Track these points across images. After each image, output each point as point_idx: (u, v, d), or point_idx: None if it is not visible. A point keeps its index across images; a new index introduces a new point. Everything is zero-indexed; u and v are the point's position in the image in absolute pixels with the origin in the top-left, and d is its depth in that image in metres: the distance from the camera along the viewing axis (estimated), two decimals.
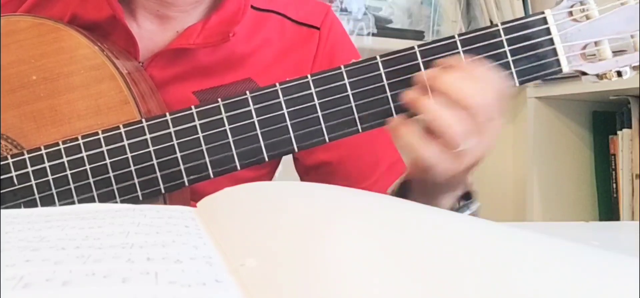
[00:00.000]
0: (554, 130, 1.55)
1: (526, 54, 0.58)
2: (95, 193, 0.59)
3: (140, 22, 0.73)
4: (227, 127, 0.59)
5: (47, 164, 0.59)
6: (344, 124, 0.59)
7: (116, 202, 0.59)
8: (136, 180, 0.59)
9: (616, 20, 0.58)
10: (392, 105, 0.59)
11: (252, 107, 0.59)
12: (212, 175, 0.60)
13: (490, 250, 0.28)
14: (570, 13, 0.58)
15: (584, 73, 0.59)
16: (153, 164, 0.59)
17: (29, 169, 0.59)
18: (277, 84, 0.59)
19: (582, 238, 0.53)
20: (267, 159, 0.59)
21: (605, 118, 1.56)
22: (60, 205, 0.59)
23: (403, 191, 0.66)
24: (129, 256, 0.26)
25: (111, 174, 0.59)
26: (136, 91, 0.63)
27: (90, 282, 0.22)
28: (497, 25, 0.58)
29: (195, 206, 0.41)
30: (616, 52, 0.58)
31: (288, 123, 0.59)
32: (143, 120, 0.60)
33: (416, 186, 0.62)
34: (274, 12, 0.77)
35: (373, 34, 1.71)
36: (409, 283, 0.23)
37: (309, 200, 0.36)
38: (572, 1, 0.58)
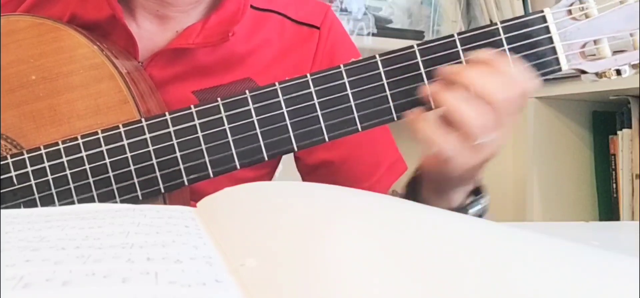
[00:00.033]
0: (554, 130, 1.55)
1: (525, 52, 0.58)
2: (94, 193, 0.59)
3: (140, 22, 0.73)
4: (226, 126, 0.59)
5: (46, 164, 0.59)
6: (343, 123, 0.59)
7: (116, 202, 0.59)
8: (136, 180, 0.59)
9: (615, 19, 0.58)
10: (391, 104, 0.59)
11: (251, 106, 0.59)
12: (211, 175, 0.60)
13: (490, 250, 0.28)
14: (570, 12, 0.58)
15: (583, 71, 0.59)
16: (152, 164, 0.59)
17: (29, 169, 0.59)
18: (277, 84, 0.59)
19: (582, 238, 0.53)
20: (266, 158, 0.59)
21: (605, 118, 1.56)
22: (60, 204, 0.59)
23: (412, 188, 0.66)
24: (129, 256, 0.26)
25: (111, 173, 0.59)
26: (136, 91, 0.63)
27: (90, 282, 0.22)
28: (496, 24, 0.58)
29: (195, 206, 0.41)
30: (615, 52, 0.58)
31: (287, 122, 0.59)
32: (142, 120, 0.60)
33: (427, 182, 0.63)
34: (273, 12, 0.77)
35: (373, 34, 1.71)
36: (409, 283, 0.23)
37: (309, 200, 0.36)
38: (571, 0, 0.58)
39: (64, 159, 0.59)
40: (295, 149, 0.60)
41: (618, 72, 0.59)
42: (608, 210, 1.54)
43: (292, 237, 0.29)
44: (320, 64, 0.76)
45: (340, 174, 0.77)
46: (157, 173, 0.59)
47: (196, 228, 0.33)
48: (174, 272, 0.24)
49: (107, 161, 0.59)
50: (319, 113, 0.59)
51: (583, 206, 1.58)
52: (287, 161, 0.83)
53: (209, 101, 0.60)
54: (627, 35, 0.58)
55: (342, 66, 0.59)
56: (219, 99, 0.59)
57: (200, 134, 0.59)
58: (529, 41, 0.58)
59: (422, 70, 0.58)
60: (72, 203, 0.59)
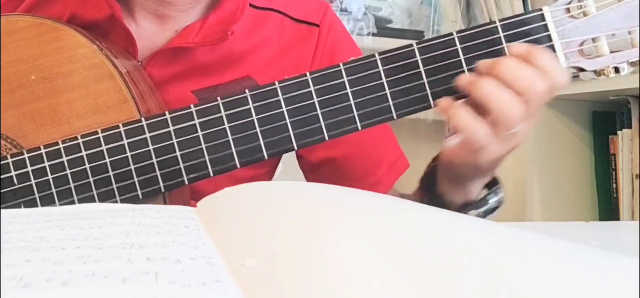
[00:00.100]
0: (554, 130, 1.55)
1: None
2: (95, 192, 0.59)
3: (139, 21, 0.73)
4: (226, 125, 0.59)
5: (46, 164, 0.59)
6: (343, 122, 0.59)
7: (116, 201, 0.59)
8: (136, 179, 0.59)
9: (613, 17, 0.58)
10: (391, 103, 0.59)
11: (251, 105, 0.59)
12: (211, 174, 0.60)
13: (490, 250, 0.28)
14: (568, 10, 0.58)
15: (582, 69, 0.59)
16: (152, 163, 0.59)
17: (29, 168, 0.59)
18: (276, 83, 0.59)
19: (582, 238, 0.53)
20: (266, 157, 0.59)
21: (605, 118, 1.56)
22: (60, 204, 0.59)
23: (427, 181, 0.66)
24: (129, 256, 0.26)
25: (111, 173, 0.59)
26: (135, 90, 0.63)
27: (90, 282, 0.22)
28: (495, 23, 0.58)
29: (195, 205, 0.41)
30: (614, 51, 0.59)
31: (287, 121, 0.59)
32: (142, 119, 0.60)
33: (446, 174, 0.64)
34: (273, 11, 0.77)
35: (373, 34, 1.71)
36: (409, 283, 0.23)
37: (309, 200, 0.36)
38: None
39: (64, 158, 0.59)
40: (295, 148, 0.60)
41: (616, 70, 0.59)
42: (608, 210, 1.54)
43: (292, 237, 0.29)
44: (320, 62, 0.76)
45: (342, 171, 0.77)
46: (157, 172, 0.59)
47: (196, 228, 0.33)
48: (174, 272, 0.24)
49: (107, 160, 0.59)
50: (319, 111, 0.59)
51: (583, 206, 1.58)
52: (287, 161, 0.83)
53: (208, 100, 0.60)
54: (625, 33, 0.58)
55: (341, 64, 0.59)
56: (218, 98, 0.59)
57: (200, 133, 0.59)
58: (528, 39, 0.58)
59: (422, 69, 0.58)
60: (72, 202, 0.59)
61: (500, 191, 0.66)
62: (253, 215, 0.34)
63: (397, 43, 0.60)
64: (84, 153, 0.59)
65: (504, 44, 0.58)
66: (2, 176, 0.59)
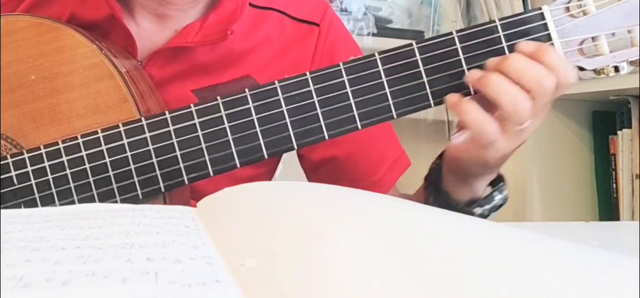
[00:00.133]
0: (554, 130, 1.55)
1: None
2: (95, 192, 0.59)
3: (139, 21, 0.73)
4: (226, 125, 0.59)
5: (46, 164, 0.59)
6: (343, 121, 0.59)
7: (116, 201, 0.59)
8: (136, 179, 0.59)
9: (613, 16, 0.58)
10: (391, 102, 0.59)
11: (251, 105, 0.59)
12: (211, 173, 0.60)
13: (490, 250, 0.28)
14: (568, 9, 0.58)
15: (582, 68, 0.59)
16: (152, 163, 0.59)
17: (29, 168, 0.59)
18: (276, 82, 0.59)
19: (582, 238, 0.53)
20: (266, 156, 0.59)
21: (605, 118, 1.56)
22: (60, 204, 0.59)
23: (432, 179, 0.67)
24: (129, 256, 0.26)
25: (111, 173, 0.59)
26: (135, 90, 0.63)
27: (90, 282, 0.22)
28: (494, 22, 0.58)
29: (195, 205, 0.41)
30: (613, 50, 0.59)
31: (287, 120, 0.59)
32: (142, 118, 0.60)
33: (452, 172, 0.64)
34: (273, 10, 0.77)
35: (373, 34, 1.71)
36: (409, 283, 0.23)
37: (309, 200, 0.36)
38: None
39: (64, 158, 0.59)
40: (295, 147, 0.60)
41: (616, 69, 0.59)
42: (608, 210, 1.54)
43: (292, 237, 0.29)
44: (320, 61, 0.76)
45: (344, 171, 0.77)
46: (157, 172, 0.59)
47: (196, 228, 0.33)
48: (174, 272, 0.24)
49: (107, 160, 0.59)
50: (319, 111, 0.59)
51: (583, 206, 1.58)
52: (288, 161, 0.83)
53: (208, 100, 0.60)
54: (625, 32, 0.58)
55: (341, 64, 0.59)
56: (218, 97, 0.59)
57: (200, 132, 0.59)
58: (528, 39, 0.58)
59: (421, 68, 0.58)
60: (72, 202, 0.59)
61: (505, 188, 0.66)
62: (253, 215, 0.34)
63: (397, 43, 0.60)
64: (83, 153, 0.59)
65: (504, 43, 0.58)
66: (2, 176, 0.59)
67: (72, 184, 0.59)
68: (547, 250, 0.29)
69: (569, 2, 0.58)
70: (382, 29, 1.74)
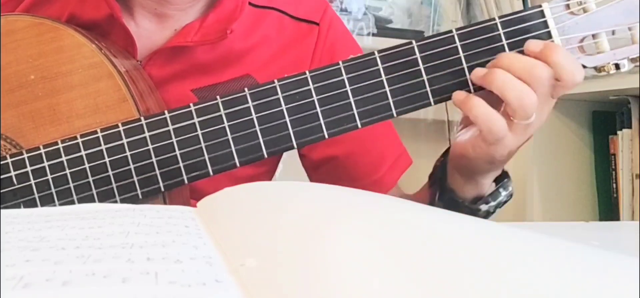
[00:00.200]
0: (554, 130, 1.55)
1: (524, 46, 0.58)
2: (94, 192, 0.59)
3: (139, 20, 0.73)
4: (226, 124, 0.59)
5: (46, 164, 0.59)
6: (342, 120, 0.59)
7: (115, 201, 0.59)
8: (135, 178, 0.59)
9: (613, 13, 0.57)
10: (390, 100, 0.59)
11: (250, 104, 0.59)
12: (211, 173, 0.60)
13: (490, 250, 0.28)
14: (568, 6, 0.58)
15: (583, 66, 0.59)
16: (152, 163, 0.59)
17: (28, 168, 0.59)
18: (276, 81, 0.59)
19: (582, 238, 0.53)
20: (266, 156, 0.59)
21: (605, 118, 1.56)
22: (59, 204, 0.59)
23: (437, 177, 0.67)
24: (129, 256, 0.26)
25: (110, 172, 0.59)
26: (134, 90, 0.63)
27: (90, 282, 0.22)
28: (494, 20, 0.58)
29: (195, 205, 0.41)
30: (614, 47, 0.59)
31: (287, 119, 0.59)
32: (142, 118, 0.59)
33: (457, 170, 0.64)
34: (272, 9, 0.77)
35: (373, 34, 1.71)
36: (409, 283, 0.23)
37: (309, 200, 0.36)
38: None
39: (64, 158, 0.59)
40: (295, 146, 0.60)
41: (617, 66, 0.59)
42: (608, 210, 1.54)
43: (292, 237, 0.29)
44: (319, 60, 0.76)
45: (345, 170, 0.77)
46: (157, 172, 0.59)
47: (196, 228, 0.33)
48: (174, 272, 0.24)
49: (107, 160, 0.59)
50: (318, 109, 0.59)
51: (583, 206, 1.58)
52: (288, 161, 0.83)
53: (208, 99, 0.60)
54: (625, 29, 0.58)
55: (340, 62, 0.59)
56: (218, 97, 0.59)
57: (199, 132, 0.59)
58: (528, 36, 0.58)
59: (421, 66, 0.58)
60: (72, 202, 0.59)
61: (510, 184, 0.66)
62: (253, 215, 0.34)
63: (397, 43, 0.60)
64: (83, 153, 0.59)
65: (504, 41, 0.58)
66: (1, 176, 0.59)
67: (71, 184, 0.59)
68: (547, 250, 0.29)
69: (569, 0, 0.58)
70: (382, 29, 1.74)
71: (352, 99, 0.59)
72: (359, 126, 0.59)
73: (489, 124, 0.56)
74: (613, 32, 0.58)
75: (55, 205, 0.59)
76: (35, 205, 0.59)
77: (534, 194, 1.55)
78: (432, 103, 0.59)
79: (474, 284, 0.23)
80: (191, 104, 0.59)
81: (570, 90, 0.57)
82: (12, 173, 0.59)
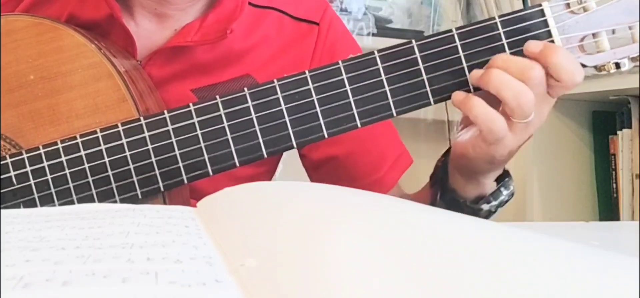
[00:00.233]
0: (554, 130, 1.55)
1: (523, 46, 0.58)
2: (94, 192, 0.59)
3: (138, 20, 0.73)
4: (225, 124, 0.59)
5: (45, 164, 0.59)
6: (342, 119, 0.59)
7: (115, 201, 0.59)
8: (135, 178, 0.59)
9: (614, 12, 0.57)
10: (390, 100, 0.59)
11: (250, 104, 0.59)
12: (211, 173, 0.60)
13: (490, 250, 0.28)
14: (568, 5, 0.58)
15: (583, 65, 0.59)
16: (152, 163, 0.59)
17: (28, 168, 0.59)
18: (275, 81, 0.59)
19: (582, 238, 0.53)
20: (266, 155, 0.59)
21: (605, 118, 1.56)
22: (59, 204, 0.59)
23: (438, 177, 0.67)
24: (129, 256, 0.26)
25: (110, 172, 0.59)
26: (134, 89, 0.63)
27: (90, 282, 0.22)
28: (494, 19, 0.58)
29: (195, 205, 0.41)
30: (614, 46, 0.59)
31: (286, 119, 0.59)
32: (141, 118, 0.59)
33: (459, 170, 0.64)
34: (272, 9, 0.77)
35: (373, 34, 1.71)
36: (409, 283, 0.23)
37: (309, 200, 0.36)
38: None
39: (63, 158, 0.59)
40: (294, 146, 0.60)
41: (617, 65, 0.59)
42: (608, 210, 1.54)
43: (292, 237, 0.29)
44: (319, 60, 0.76)
45: (345, 169, 0.77)
46: (156, 172, 0.59)
47: (196, 228, 0.33)
48: (174, 272, 0.24)
49: (106, 160, 0.59)
50: (318, 109, 0.59)
51: (583, 206, 1.58)
52: (288, 161, 0.83)
53: (207, 99, 0.60)
54: (626, 28, 0.58)
55: (340, 62, 0.59)
56: (217, 97, 0.59)
57: (199, 132, 0.59)
58: (528, 35, 0.58)
59: (421, 66, 0.58)
60: (72, 202, 0.59)
61: (511, 184, 0.66)
62: (253, 215, 0.34)
63: (397, 43, 0.60)
64: (82, 153, 0.59)
65: (504, 40, 0.58)
66: (1, 177, 0.59)
67: (71, 184, 0.59)
68: (547, 250, 0.29)
69: None
70: (382, 29, 1.74)
71: (351, 99, 0.59)
72: (359, 125, 0.59)
73: (489, 123, 0.56)
74: (613, 31, 0.58)
75: (54, 205, 0.59)
76: (35, 205, 0.59)
77: (534, 194, 1.55)
78: (432, 103, 0.59)
79: (474, 284, 0.23)
80: (191, 104, 0.59)
81: (570, 90, 0.57)
82: (12, 173, 0.59)
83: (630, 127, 1.44)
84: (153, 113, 0.61)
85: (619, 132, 1.47)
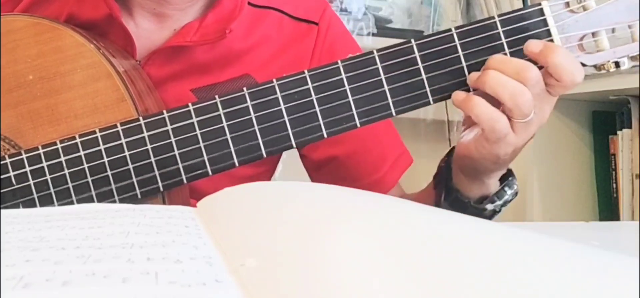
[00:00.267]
0: (554, 130, 1.55)
1: (523, 46, 0.58)
2: (93, 192, 0.59)
3: (138, 20, 0.73)
4: (224, 124, 0.59)
5: (45, 164, 0.59)
6: (342, 119, 0.59)
7: (114, 201, 0.59)
8: (134, 178, 0.59)
9: (613, 11, 0.57)
10: (389, 99, 0.59)
11: (249, 103, 0.59)
12: (210, 172, 0.59)
13: (490, 250, 0.28)
14: (567, 4, 0.58)
15: (582, 64, 0.59)
16: (151, 163, 0.59)
17: (27, 169, 0.59)
18: (274, 80, 0.59)
19: (582, 238, 0.53)
20: (265, 155, 0.59)
21: (605, 118, 1.56)
22: (58, 204, 0.59)
23: (441, 178, 0.67)
24: (129, 256, 0.26)
25: (109, 172, 0.59)
26: (133, 89, 0.63)
27: (90, 282, 0.22)
28: (493, 18, 0.58)
29: (195, 205, 0.41)
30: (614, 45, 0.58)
31: (286, 118, 0.59)
32: (140, 118, 0.59)
33: (462, 170, 0.64)
34: (271, 9, 0.77)
35: (373, 34, 1.71)
36: (409, 283, 0.23)
37: (309, 200, 0.36)
38: None
39: (62, 158, 0.59)
40: (294, 146, 0.60)
41: (617, 64, 0.59)
42: (608, 210, 1.54)
43: (292, 237, 0.29)
44: (319, 60, 0.76)
45: (345, 169, 0.77)
46: (156, 172, 0.59)
47: (196, 228, 0.33)
48: (174, 272, 0.24)
49: (106, 160, 0.59)
50: (317, 109, 0.59)
51: (583, 206, 1.58)
52: (287, 161, 0.83)
53: (206, 99, 0.59)
54: (625, 27, 0.58)
55: (339, 62, 0.59)
56: (216, 96, 0.59)
57: (198, 132, 0.59)
58: (527, 34, 0.58)
59: (420, 65, 0.58)
60: (71, 202, 0.59)
61: (515, 183, 0.66)
62: (253, 215, 0.34)
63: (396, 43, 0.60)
64: (82, 153, 0.59)
65: (503, 40, 0.58)
66: (1, 177, 0.59)
67: (70, 184, 0.59)
68: (547, 250, 0.29)
69: None
70: (382, 29, 1.74)
71: (351, 99, 0.59)
72: (358, 125, 0.59)
73: (491, 122, 0.56)
74: (613, 30, 0.58)
75: (54, 205, 0.59)
76: (35, 205, 0.59)
77: (534, 194, 1.55)
78: (432, 102, 0.59)
79: (474, 284, 0.23)
80: (190, 104, 0.59)
81: (570, 90, 0.57)
82: (11, 174, 0.59)
83: (630, 127, 1.44)
84: (152, 113, 0.61)
85: (619, 132, 1.47)
